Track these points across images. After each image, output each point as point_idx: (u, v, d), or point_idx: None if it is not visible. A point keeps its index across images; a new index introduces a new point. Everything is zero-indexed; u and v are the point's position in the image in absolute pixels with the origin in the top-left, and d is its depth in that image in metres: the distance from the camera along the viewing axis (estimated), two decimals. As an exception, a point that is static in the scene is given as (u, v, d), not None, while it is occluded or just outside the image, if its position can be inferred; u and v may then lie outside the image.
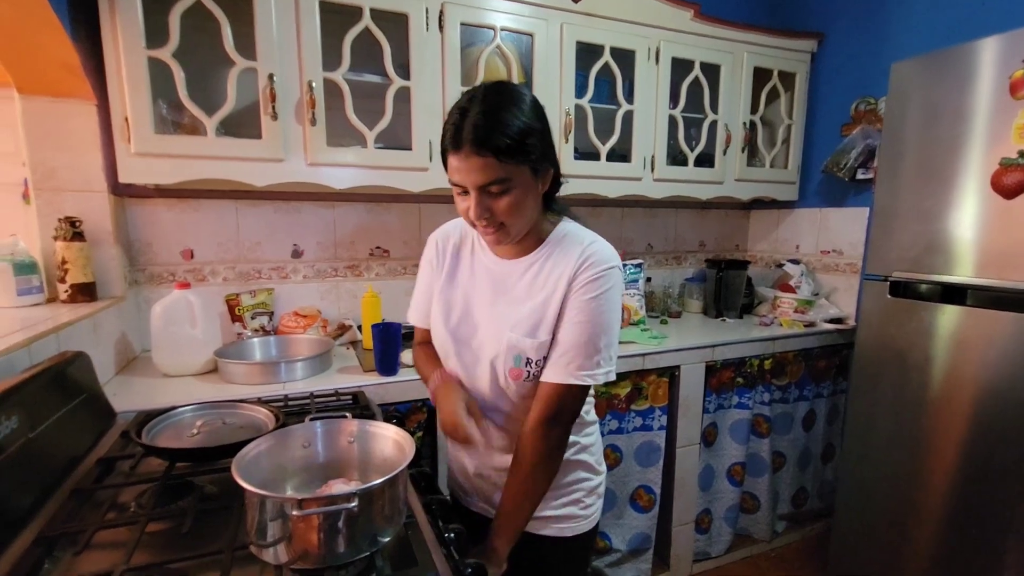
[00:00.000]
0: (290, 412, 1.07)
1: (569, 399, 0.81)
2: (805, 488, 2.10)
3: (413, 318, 1.01)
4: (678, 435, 1.75)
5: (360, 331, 1.69)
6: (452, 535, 0.74)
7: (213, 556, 0.63)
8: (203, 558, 0.64)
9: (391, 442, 0.75)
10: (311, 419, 0.81)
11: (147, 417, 0.92)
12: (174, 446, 0.82)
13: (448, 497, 1.01)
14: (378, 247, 1.85)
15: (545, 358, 0.81)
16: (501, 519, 0.83)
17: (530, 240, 0.85)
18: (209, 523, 0.71)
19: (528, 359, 0.81)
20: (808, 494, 2.12)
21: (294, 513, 0.54)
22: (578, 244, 0.82)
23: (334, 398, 1.17)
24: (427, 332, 0.98)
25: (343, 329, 1.70)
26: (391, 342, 1.35)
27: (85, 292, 1.35)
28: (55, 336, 1.06)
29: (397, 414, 1.32)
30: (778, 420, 1.96)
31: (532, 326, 0.81)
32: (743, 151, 2.06)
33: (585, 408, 0.91)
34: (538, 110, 0.78)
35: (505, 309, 0.84)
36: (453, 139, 0.73)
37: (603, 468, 0.97)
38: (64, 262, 1.32)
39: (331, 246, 1.78)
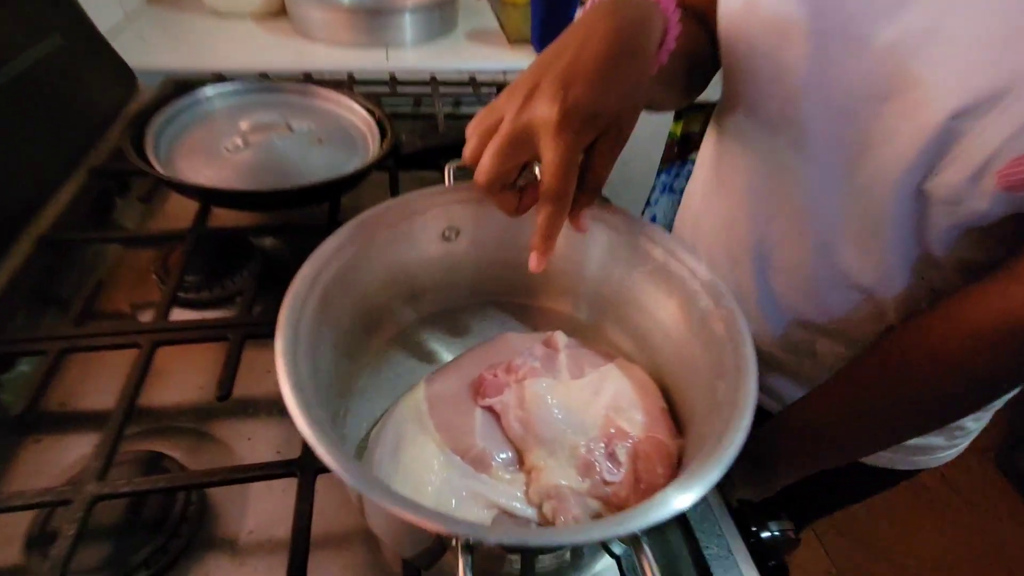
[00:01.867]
0: (399, 113, 0.63)
1: None
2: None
3: None
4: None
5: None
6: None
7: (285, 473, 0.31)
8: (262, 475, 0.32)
9: (673, 305, 0.30)
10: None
11: (170, 93, 0.52)
12: (207, 181, 0.44)
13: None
14: None
15: None
16: (802, 442, 0.41)
17: None
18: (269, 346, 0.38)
19: None
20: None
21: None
22: None
23: (469, 88, 0.69)
24: None
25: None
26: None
27: None
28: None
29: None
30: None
31: None
32: None
33: None
34: None
35: None
36: None
37: None
38: None
39: None
